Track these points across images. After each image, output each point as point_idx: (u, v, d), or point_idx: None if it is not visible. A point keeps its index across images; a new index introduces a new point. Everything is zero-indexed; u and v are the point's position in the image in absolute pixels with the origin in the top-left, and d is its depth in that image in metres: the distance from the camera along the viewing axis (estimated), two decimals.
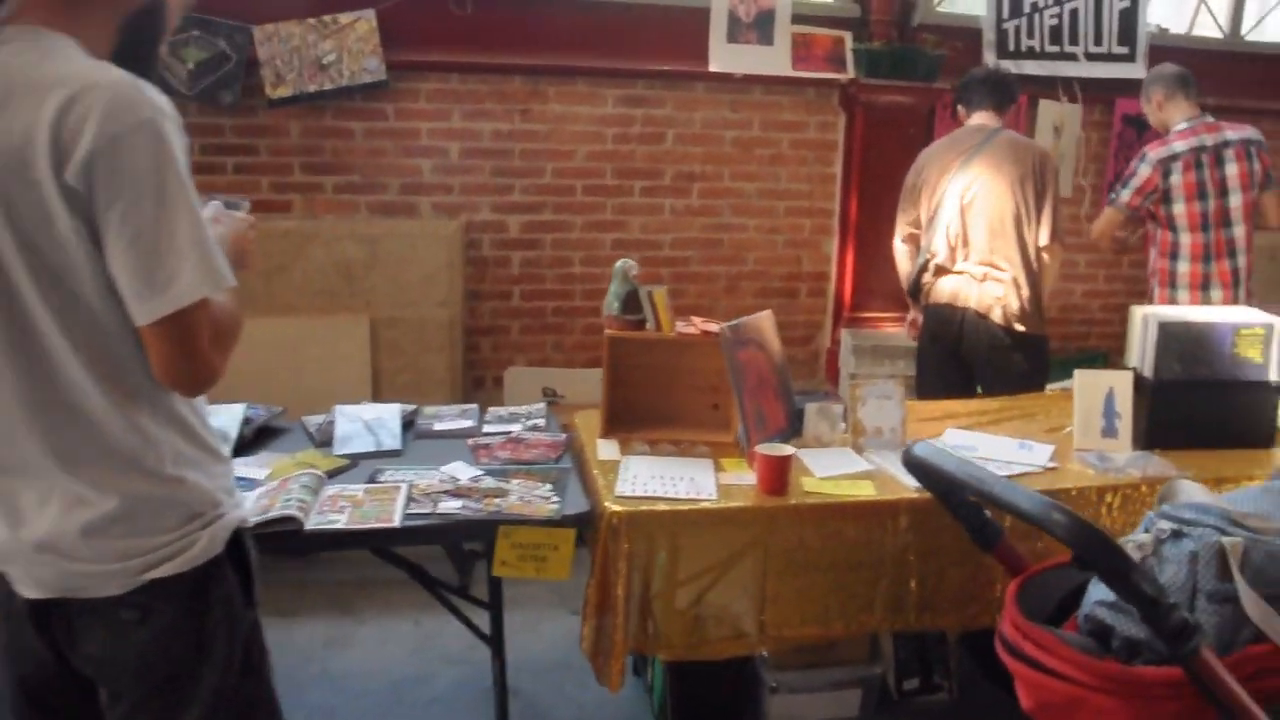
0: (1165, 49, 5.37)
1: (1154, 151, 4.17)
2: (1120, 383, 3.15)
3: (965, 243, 3.90)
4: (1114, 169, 5.31)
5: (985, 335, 3.88)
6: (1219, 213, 4.20)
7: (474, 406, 3.37)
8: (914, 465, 2.05)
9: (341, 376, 4.56)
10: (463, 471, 2.83)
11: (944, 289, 3.98)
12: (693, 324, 3.08)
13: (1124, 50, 5.23)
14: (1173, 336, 3.12)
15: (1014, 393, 3.62)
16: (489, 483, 2.75)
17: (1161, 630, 1.70)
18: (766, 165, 4.96)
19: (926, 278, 4.02)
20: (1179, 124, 4.18)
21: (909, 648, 3.22)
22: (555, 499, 2.65)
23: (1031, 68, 5.08)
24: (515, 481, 2.78)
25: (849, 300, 5.02)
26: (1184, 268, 4.23)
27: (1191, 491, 2.11)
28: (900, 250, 4.14)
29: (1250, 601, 1.92)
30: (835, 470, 2.83)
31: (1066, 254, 5.24)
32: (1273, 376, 3.14)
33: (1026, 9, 5.08)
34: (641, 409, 3.16)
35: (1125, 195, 4.24)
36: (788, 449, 2.70)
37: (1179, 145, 4.13)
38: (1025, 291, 3.85)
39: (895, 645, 3.18)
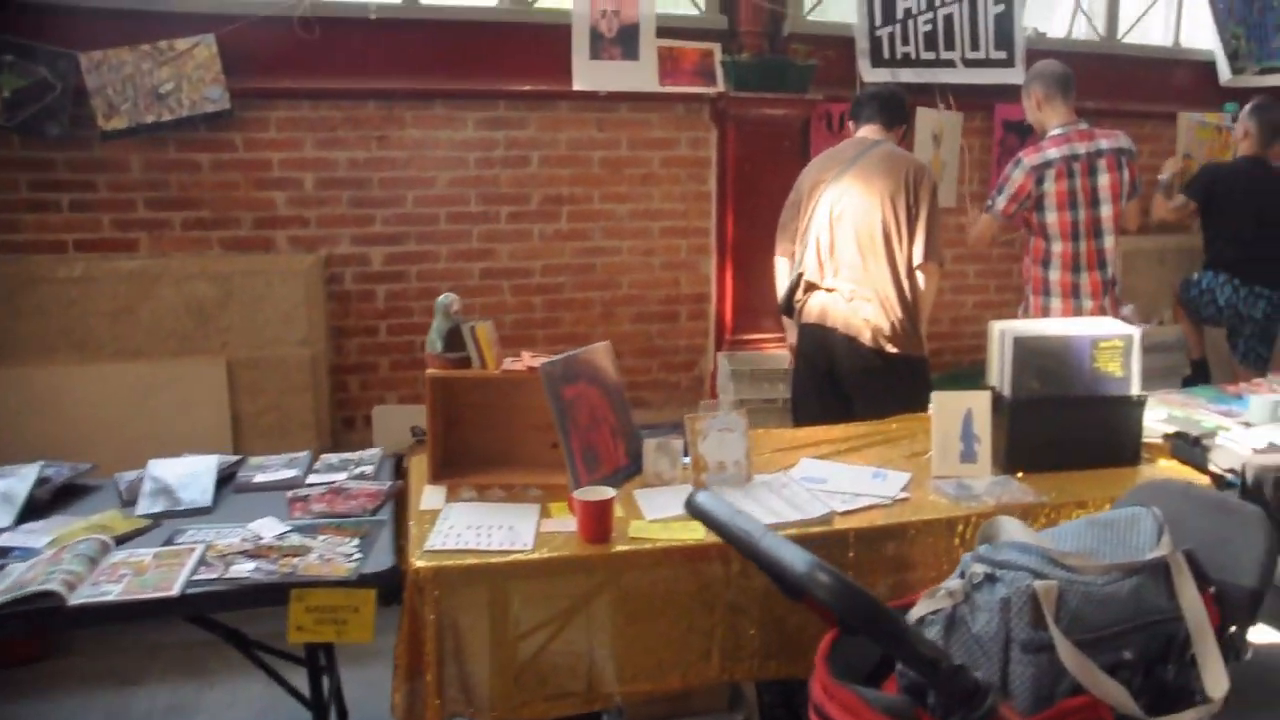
0: (1043, 53, 5.25)
1: (1028, 158, 4.06)
2: (978, 403, 2.99)
3: (834, 258, 3.74)
4: (997, 176, 5.17)
5: (856, 358, 3.72)
6: (1090, 222, 4.11)
7: (304, 454, 3.13)
8: (696, 515, 1.85)
9: (199, 423, 4.31)
10: (270, 528, 2.60)
11: (813, 307, 3.82)
12: (521, 359, 2.86)
13: (1002, 55, 5.14)
14: (1029, 352, 2.98)
15: (893, 415, 3.41)
16: (294, 540, 2.53)
17: (948, 694, 1.50)
18: (638, 185, 4.80)
19: (799, 295, 3.83)
20: (1054, 129, 4.08)
21: (774, 693, 3.01)
22: (358, 556, 2.44)
23: (907, 75, 4.97)
24: (322, 538, 2.55)
25: (730, 322, 4.84)
26: (1056, 275, 4.14)
27: (1011, 530, 1.93)
28: (781, 267, 3.97)
29: (1066, 650, 1.75)
30: (667, 511, 2.64)
31: (956, 265, 5.15)
32: (1134, 390, 2.99)
33: (900, 16, 4.97)
34: (476, 451, 2.96)
35: (1000, 202, 4.12)
36: (608, 492, 2.50)
37: (1053, 152, 4.02)
38: (896, 312, 3.70)
39: (760, 691, 2.97)
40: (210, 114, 4.27)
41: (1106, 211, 4.11)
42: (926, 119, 5.01)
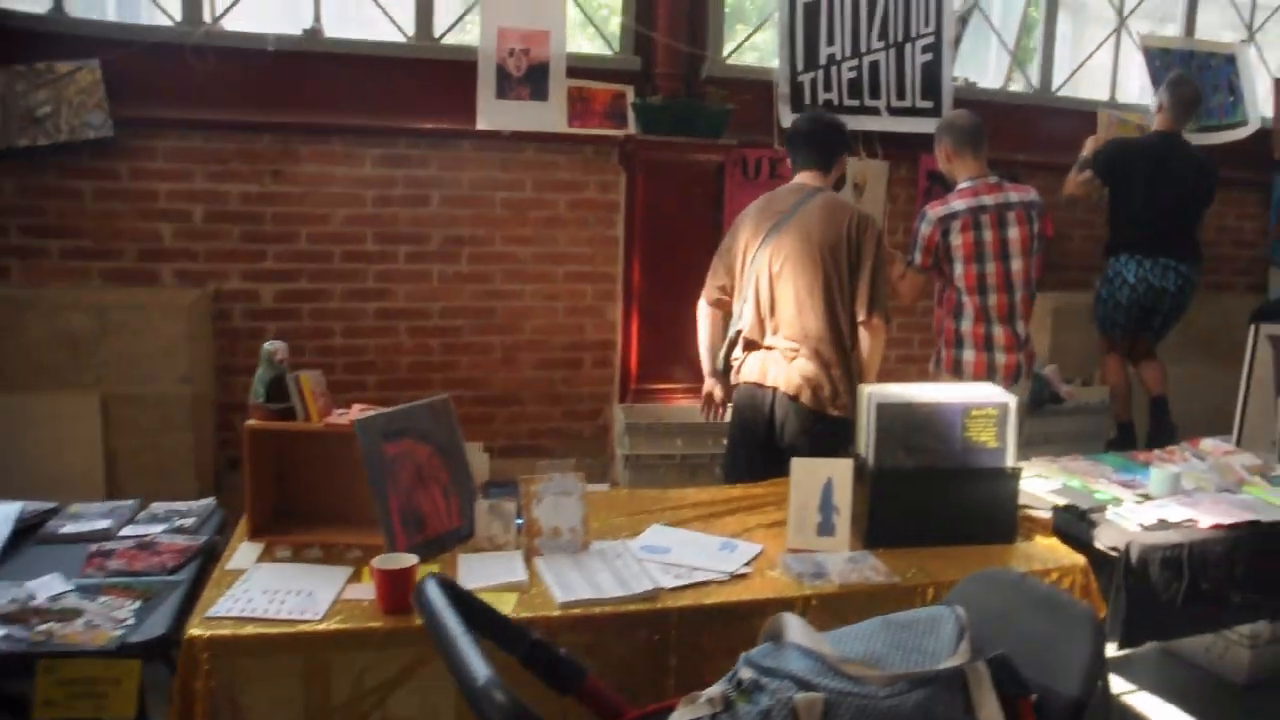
0: (973, 103, 5.16)
1: (933, 210, 3.98)
2: (839, 473, 2.80)
3: (774, 315, 3.54)
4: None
5: (795, 419, 3.51)
6: (999, 276, 3.97)
7: (129, 503, 2.94)
8: (418, 602, 1.65)
9: (70, 460, 4.12)
10: (48, 588, 2.41)
11: (752, 366, 3.61)
12: (350, 412, 2.67)
13: (928, 104, 5.02)
14: (894, 419, 2.80)
15: None
16: (70, 601, 2.33)
17: None
18: (542, 228, 4.65)
19: (736, 353, 3.64)
20: (962, 182, 3.96)
21: None
22: (130, 621, 2.23)
23: None
24: (102, 599, 2.35)
25: (636, 370, 4.67)
26: (968, 326, 4.03)
27: (794, 629, 1.72)
28: (703, 312, 3.74)
29: None
30: (488, 579, 2.43)
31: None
32: (1009, 461, 2.80)
33: (823, 61, 4.85)
34: (302, 507, 2.77)
35: (917, 256, 4.03)
36: (408, 559, 2.30)
37: (958, 205, 3.91)
38: (837, 371, 3.50)
39: None
40: (92, 140, 4.08)
41: (1016, 265, 3.98)
42: (848, 167, 4.84)
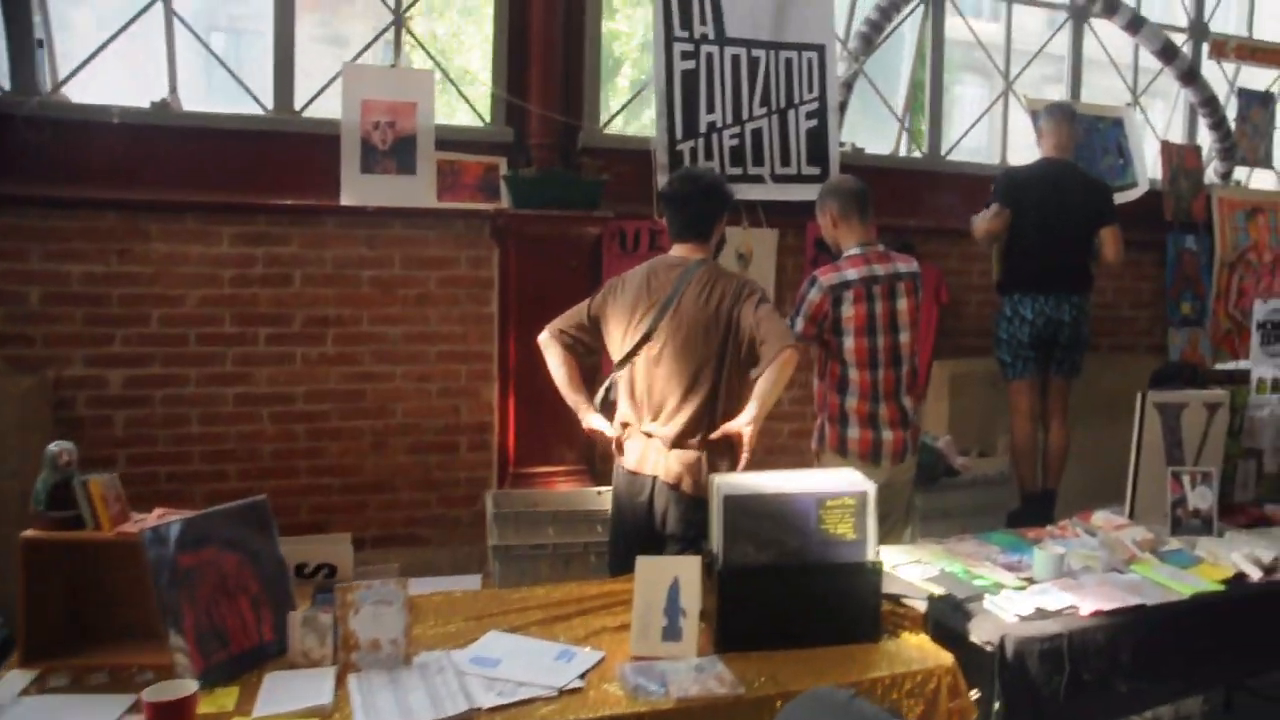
0: (862, 169, 5.07)
1: (824, 277, 3.74)
2: (687, 572, 2.59)
3: (652, 400, 3.34)
4: None
5: (676, 507, 3.30)
6: (888, 349, 3.79)
7: None
8: None
9: None
10: None
11: (631, 452, 3.39)
12: (148, 518, 2.42)
13: (815, 171, 4.92)
14: (743, 512, 2.60)
15: None
16: None
17: None
18: (412, 306, 4.48)
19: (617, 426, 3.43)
20: (851, 249, 3.78)
21: None
22: None
23: None
24: None
25: (514, 453, 4.46)
26: (853, 403, 3.80)
27: None
28: (548, 346, 3.49)
29: None
30: (287, 704, 2.19)
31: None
32: (869, 555, 2.62)
33: (703, 129, 4.74)
34: (99, 624, 2.49)
35: (799, 324, 3.81)
36: (187, 688, 2.04)
37: (851, 273, 3.72)
38: (722, 456, 3.31)
39: None
40: None
41: (905, 338, 3.80)
42: (729, 237, 4.69)
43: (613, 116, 4.89)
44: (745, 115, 4.85)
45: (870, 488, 2.68)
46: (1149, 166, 5.78)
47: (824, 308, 3.72)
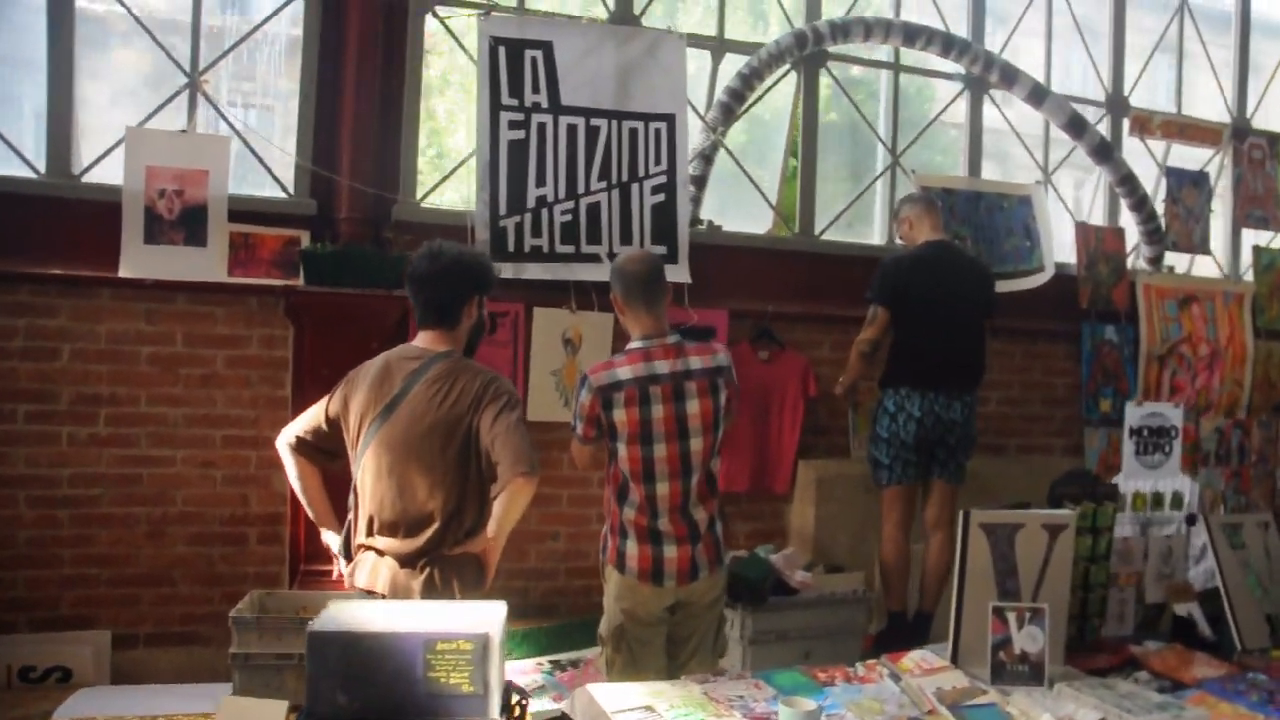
0: (720, 249, 4.69)
1: (594, 375, 3.32)
2: (270, 717, 2.15)
3: (382, 514, 3.01)
4: None
5: None
6: (673, 460, 3.32)
7: None
8: None
9: None
10: None
11: (363, 569, 3.05)
12: None
13: (661, 250, 4.57)
14: (332, 652, 2.17)
15: None
16: None
17: None
18: (196, 387, 4.21)
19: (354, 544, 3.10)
20: (634, 342, 3.36)
21: None
22: None
23: (535, 271, 4.40)
24: None
25: (303, 550, 4.08)
26: (631, 514, 3.36)
27: None
28: (282, 449, 3.17)
29: None
30: None
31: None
32: (491, 712, 2.17)
33: (531, 204, 4.46)
34: None
35: (580, 427, 3.41)
36: None
37: (624, 372, 3.29)
38: (456, 575, 2.96)
39: None
40: None
41: (697, 445, 3.31)
42: (554, 320, 4.37)
43: (430, 190, 4.63)
44: (581, 189, 4.54)
45: (494, 632, 2.20)
46: (1065, 248, 5.26)
47: (595, 410, 3.30)
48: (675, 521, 3.31)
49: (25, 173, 4.16)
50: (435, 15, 4.57)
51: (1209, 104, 5.95)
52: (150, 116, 4.24)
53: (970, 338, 4.43)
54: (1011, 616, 3.02)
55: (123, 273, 4.04)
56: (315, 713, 2.14)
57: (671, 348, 3.31)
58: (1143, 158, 5.76)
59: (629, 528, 3.36)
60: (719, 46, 4.97)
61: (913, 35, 5.08)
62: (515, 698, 2.39)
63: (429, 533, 2.94)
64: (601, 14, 4.83)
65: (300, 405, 4.08)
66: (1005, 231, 5.17)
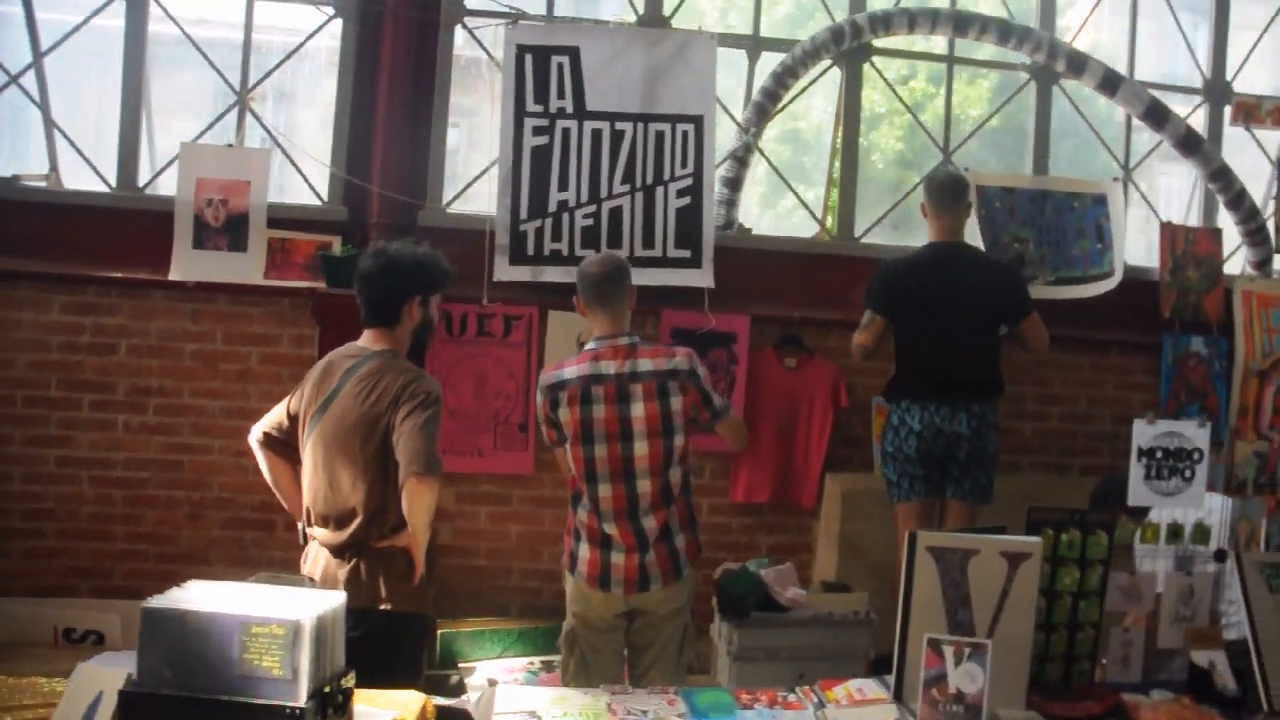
0: (748, 252, 4.63)
1: (544, 375, 3.47)
2: (111, 687, 2.34)
3: (318, 505, 3.21)
4: None
5: (347, 621, 3.08)
6: (615, 461, 3.37)
7: None
8: None
9: None
10: None
11: (308, 558, 3.31)
12: None
13: (684, 254, 4.55)
14: (163, 629, 2.32)
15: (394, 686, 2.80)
16: None
17: None
18: (233, 381, 4.57)
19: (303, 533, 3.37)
20: (589, 342, 3.41)
21: None
22: None
23: (553, 274, 4.49)
24: None
25: None
26: (583, 517, 3.43)
27: None
28: (252, 444, 3.39)
29: None
30: None
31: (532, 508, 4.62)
32: (300, 699, 2.27)
33: (553, 208, 4.55)
34: None
35: (543, 428, 3.53)
36: None
37: (569, 372, 3.40)
38: (386, 566, 3.10)
39: None
40: None
41: (641, 449, 3.34)
42: (568, 324, 4.43)
43: (456, 196, 4.81)
44: (604, 193, 4.60)
45: (308, 619, 2.29)
46: (1150, 251, 4.82)
47: (546, 410, 3.42)
48: (622, 528, 3.35)
49: (100, 187, 4.60)
50: (464, 27, 4.72)
51: None
52: (203, 133, 4.62)
53: (977, 346, 4.16)
54: (949, 651, 2.82)
55: (173, 276, 4.42)
56: (143, 685, 2.28)
57: (623, 348, 3.36)
58: (1256, 151, 5.17)
59: (581, 530, 3.43)
60: (755, 45, 4.88)
61: (965, 24, 4.81)
62: (338, 685, 2.44)
63: (354, 526, 3.09)
64: (632, 17, 4.83)
65: None
66: (1075, 233, 4.79)
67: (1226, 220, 5.10)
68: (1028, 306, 4.28)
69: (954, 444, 4.12)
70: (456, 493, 4.60)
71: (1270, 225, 5.08)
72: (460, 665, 4.20)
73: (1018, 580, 3.10)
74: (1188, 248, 4.93)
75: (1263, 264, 5.10)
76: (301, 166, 4.70)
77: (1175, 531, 3.55)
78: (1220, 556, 3.55)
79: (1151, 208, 5.21)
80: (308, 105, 4.91)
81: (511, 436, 4.57)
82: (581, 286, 3.43)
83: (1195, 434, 3.58)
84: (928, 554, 3.11)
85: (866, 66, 4.94)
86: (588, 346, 3.41)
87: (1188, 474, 3.60)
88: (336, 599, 2.50)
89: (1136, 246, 5.08)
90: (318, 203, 4.66)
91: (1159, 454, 3.55)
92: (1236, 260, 5.25)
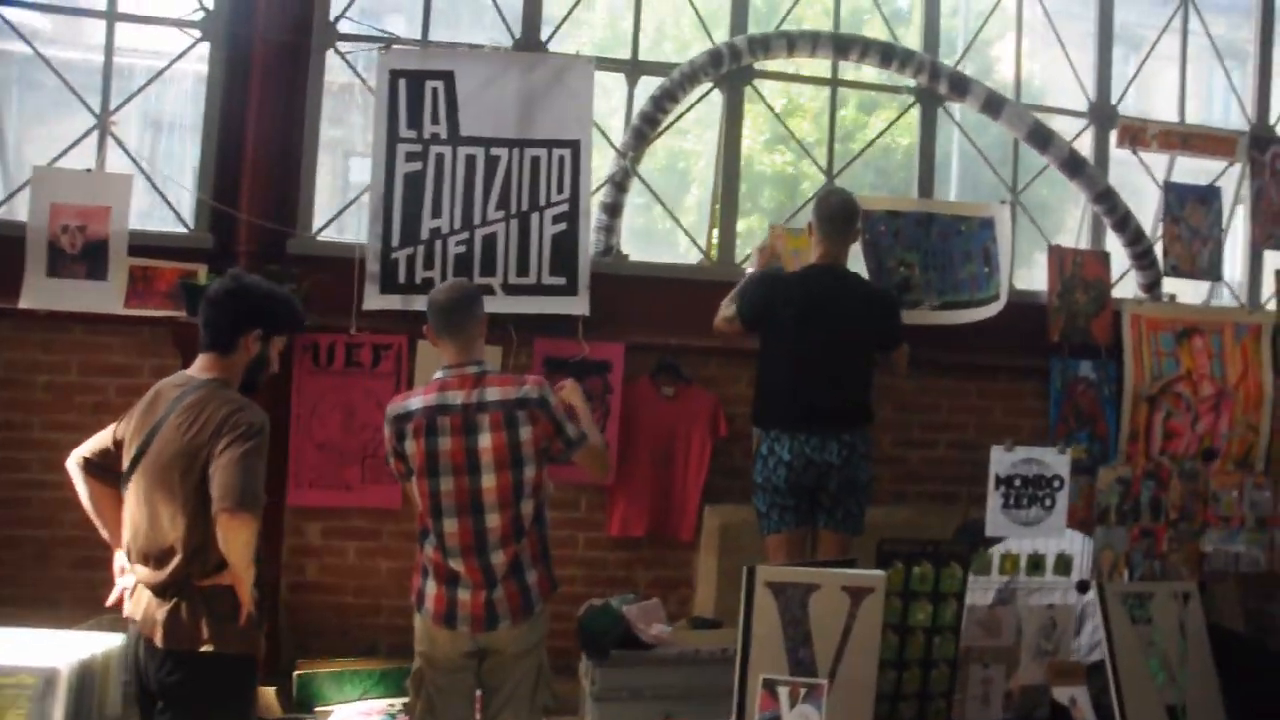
0: (624, 277, 4.52)
1: (390, 406, 3.34)
2: None
3: (135, 542, 3.02)
4: None
5: (151, 663, 2.93)
6: (461, 495, 3.23)
7: None
8: None
9: None
10: None
11: (129, 597, 3.09)
12: None
13: (559, 280, 4.45)
14: None
15: None
16: None
17: None
18: (89, 414, 4.36)
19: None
20: (437, 371, 3.32)
21: None
22: None
23: (423, 303, 4.19)
24: None
25: None
26: (429, 551, 3.29)
27: None
28: (70, 468, 3.18)
29: None
30: None
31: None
32: None
33: (425, 235, 4.47)
34: None
35: (392, 462, 3.38)
36: None
37: (415, 402, 3.28)
38: (200, 603, 2.91)
39: None
40: None
41: (489, 481, 3.23)
42: (436, 354, 4.19)
43: (327, 223, 4.70)
44: (478, 220, 4.52)
45: (64, 666, 2.14)
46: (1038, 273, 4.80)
47: (392, 442, 3.29)
48: (469, 563, 3.22)
49: None
50: (337, 51, 4.62)
51: (1226, 110, 5.25)
52: (59, 156, 4.47)
53: (849, 374, 4.05)
54: (784, 692, 2.72)
55: (23, 304, 4.25)
56: None
57: (470, 378, 3.25)
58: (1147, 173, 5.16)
59: (428, 567, 3.32)
60: (633, 69, 4.82)
61: (846, 47, 4.78)
62: None
63: (173, 564, 2.92)
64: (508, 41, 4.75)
65: None
66: (962, 257, 4.73)
67: (1116, 244, 5.08)
68: (899, 337, 4.21)
69: (824, 474, 3.99)
70: (324, 528, 4.46)
71: (1159, 249, 5.07)
72: (317, 710, 4.03)
73: (861, 616, 2.99)
74: (1076, 270, 4.89)
75: (1152, 287, 5.09)
76: (167, 192, 4.57)
77: (1036, 563, 3.45)
78: (1082, 587, 3.45)
79: (1040, 230, 5.16)
80: (177, 130, 4.78)
81: (380, 470, 4.34)
82: (430, 315, 3.34)
83: (1055, 461, 3.48)
84: (766, 590, 3.01)
85: (749, 90, 4.88)
86: (435, 376, 3.29)
87: (1048, 502, 3.51)
88: (110, 642, 2.35)
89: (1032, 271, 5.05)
90: (183, 230, 4.53)
91: (1017, 482, 3.46)
92: (1129, 283, 5.20)
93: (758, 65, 4.85)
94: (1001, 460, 3.51)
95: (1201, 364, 4.94)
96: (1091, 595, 3.38)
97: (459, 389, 3.22)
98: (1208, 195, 5.15)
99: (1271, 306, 5.20)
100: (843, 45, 4.76)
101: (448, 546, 3.22)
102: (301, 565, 4.47)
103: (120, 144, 4.52)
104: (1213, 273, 5.12)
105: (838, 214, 4.14)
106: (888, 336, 4.18)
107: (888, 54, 4.79)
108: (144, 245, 4.36)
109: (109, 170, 4.46)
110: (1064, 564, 3.51)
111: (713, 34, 4.90)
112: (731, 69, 4.72)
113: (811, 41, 4.73)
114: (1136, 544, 3.63)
